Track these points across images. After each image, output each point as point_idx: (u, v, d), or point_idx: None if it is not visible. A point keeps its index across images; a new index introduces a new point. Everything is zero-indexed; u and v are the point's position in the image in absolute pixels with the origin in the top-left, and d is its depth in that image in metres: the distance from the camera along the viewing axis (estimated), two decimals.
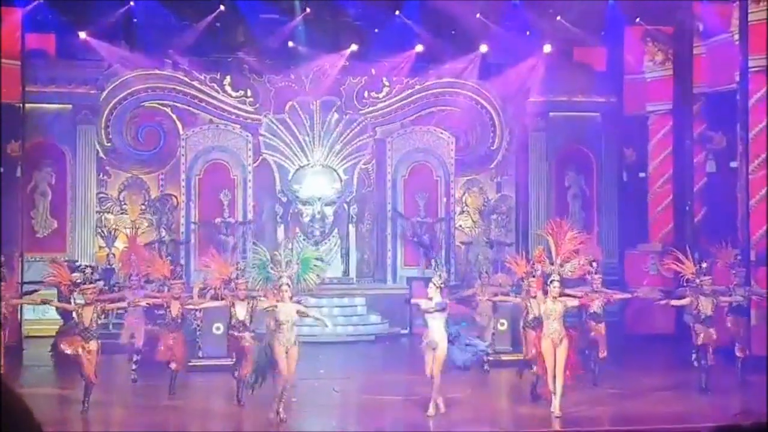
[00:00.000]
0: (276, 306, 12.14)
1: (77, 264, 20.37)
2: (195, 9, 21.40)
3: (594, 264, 15.87)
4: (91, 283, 13.85)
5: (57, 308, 16.67)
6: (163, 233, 23.37)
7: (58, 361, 17.31)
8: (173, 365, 14.38)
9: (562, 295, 12.83)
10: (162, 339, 14.55)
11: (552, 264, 13.10)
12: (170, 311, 14.64)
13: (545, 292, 12.95)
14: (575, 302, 13.37)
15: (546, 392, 12.77)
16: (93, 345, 12.86)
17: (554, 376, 12.51)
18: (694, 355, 15.39)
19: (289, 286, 12.22)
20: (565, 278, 13.39)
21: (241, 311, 13.53)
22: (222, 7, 21.27)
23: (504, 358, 16.69)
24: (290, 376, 12.18)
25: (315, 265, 12.85)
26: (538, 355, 13.01)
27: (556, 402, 12.46)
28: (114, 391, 14.71)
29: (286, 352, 12.06)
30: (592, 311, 15.20)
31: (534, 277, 14.41)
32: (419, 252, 23.78)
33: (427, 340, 12.27)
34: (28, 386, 14.53)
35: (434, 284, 12.54)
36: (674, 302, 15.14)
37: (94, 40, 21.68)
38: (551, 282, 12.78)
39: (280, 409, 12.12)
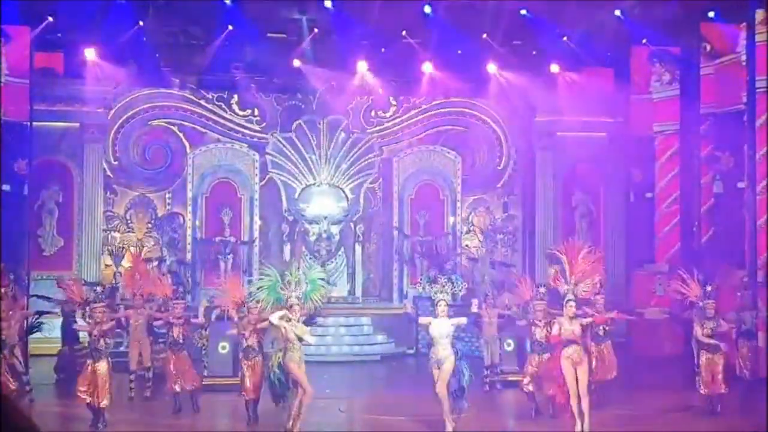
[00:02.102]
0: (284, 325, 12.16)
1: (84, 282, 20.40)
2: (203, 29, 21.47)
3: (598, 284, 15.84)
4: (101, 301, 13.83)
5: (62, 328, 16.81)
6: (165, 252, 23.40)
7: (63, 379, 17.33)
8: (186, 386, 14.31)
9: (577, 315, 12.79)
10: (170, 362, 14.48)
11: (567, 284, 13.04)
12: (173, 332, 14.59)
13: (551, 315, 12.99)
14: (589, 320, 13.32)
15: (562, 408, 12.70)
16: (103, 364, 12.80)
17: (578, 397, 12.40)
18: (698, 378, 15.35)
19: (299, 306, 12.24)
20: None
21: (252, 336, 13.50)
22: (230, 27, 21.34)
23: (511, 378, 16.63)
24: (309, 394, 12.16)
25: (321, 286, 12.85)
26: (550, 376, 12.93)
27: (586, 423, 12.34)
28: (122, 410, 14.67)
29: (299, 367, 12.08)
30: (593, 332, 15.19)
31: (540, 299, 14.36)
32: (422, 269, 23.77)
33: (435, 357, 12.21)
34: (34, 404, 14.52)
35: (444, 301, 12.46)
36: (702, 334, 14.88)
37: (102, 59, 21.75)
38: (567, 302, 12.65)
39: (296, 428, 12.10)
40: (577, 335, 12.48)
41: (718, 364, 14.02)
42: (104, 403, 12.67)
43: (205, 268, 23.34)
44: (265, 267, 13.39)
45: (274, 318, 12.15)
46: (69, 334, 18.08)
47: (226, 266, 22.94)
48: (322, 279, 13.34)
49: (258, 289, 13.10)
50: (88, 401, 12.69)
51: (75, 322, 17.24)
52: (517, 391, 15.38)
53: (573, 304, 12.62)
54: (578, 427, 12.32)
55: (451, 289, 12.77)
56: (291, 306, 12.22)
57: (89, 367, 12.77)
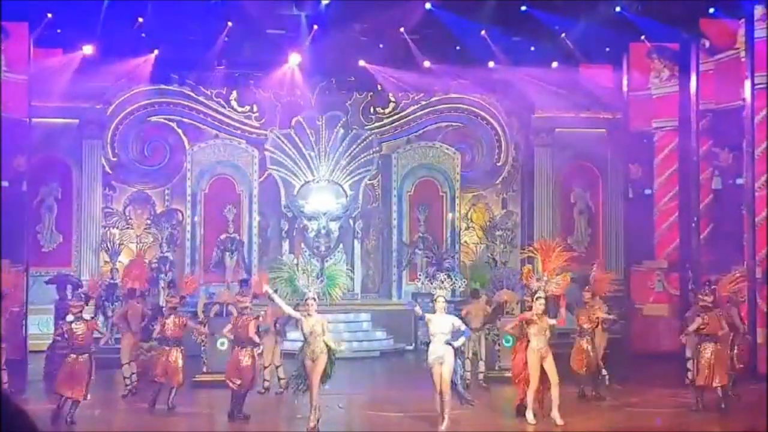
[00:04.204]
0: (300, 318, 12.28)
1: (72, 277, 20.44)
2: (202, 25, 21.44)
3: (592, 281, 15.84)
4: (78, 300, 13.84)
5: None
6: (166, 248, 23.40)
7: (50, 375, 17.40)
8: (163, 380, 14.26)
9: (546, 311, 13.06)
10: (164, 357, 14.42)
11: (538, 281, 13.26)
12: (167, 329, 14.51)
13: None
14: (554, 321, 13.48)
15: (535, 406, 12.96)
16: (85, 358, 12.92)
17: (538, 390, 12.79)
18: (694, 371, 15.36)
19: (315, 300, 12.29)
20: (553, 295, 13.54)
21: (251, 329, 13.52)
22: (229, 24, 21.32)
23: (508, 374, 16.61)
24: (315, 383, 12.18)
25: (340, 282, 12.94)
26: (521, 370, 13.12)
27: (556, 410, 12.71)
28: (119, 406, 14.70)
29: (312, 362, 12.10)
30: (584, 326, 15.21)
31: (540, 298, 14.35)
32: (422, 265, 23.81)
33: (434, 356, 12.19)
34: (32, 400, 14.55)
35: (443, 298, 12.49)
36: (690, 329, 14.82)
37: (101, 55, 21.70)
38: (537, 299, 12.95)
39: (315, 422, 12.13)
40: (545, 331, 12.75)
41: (721, 357, 13.98)
42: (80, 396, 12.84)
43: (204, 265, 23.33)
44: (280, 261, 13.51)
45: (292, 310, 12.31)
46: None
47: (232, 263, 22.92)
48: (340, 273, 13.46)
49: (275, 279, 13.15)
50: (68, 396, 12.82)
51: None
52: (512, 388, 15.43)
53: (543, 301, 12.86)
54: (530, 417, 12.77)
55: (450, 285, 12.79)
56: (306, 300, 12.27)
57: (72, 364, 12.87)
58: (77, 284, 19.21)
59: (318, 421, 12.25)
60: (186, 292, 16.43)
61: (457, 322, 12.47)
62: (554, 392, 12.85)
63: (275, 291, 13.39)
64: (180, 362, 14.26)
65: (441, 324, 12.29)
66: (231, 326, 13.72)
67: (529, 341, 12.99)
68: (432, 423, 12.65)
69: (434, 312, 12.53)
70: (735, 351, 15.15)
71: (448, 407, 12.30)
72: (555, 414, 12.80)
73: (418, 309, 12.85)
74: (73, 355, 13.01)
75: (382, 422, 13.92)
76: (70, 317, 13.39)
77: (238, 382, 13.36)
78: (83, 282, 19.81)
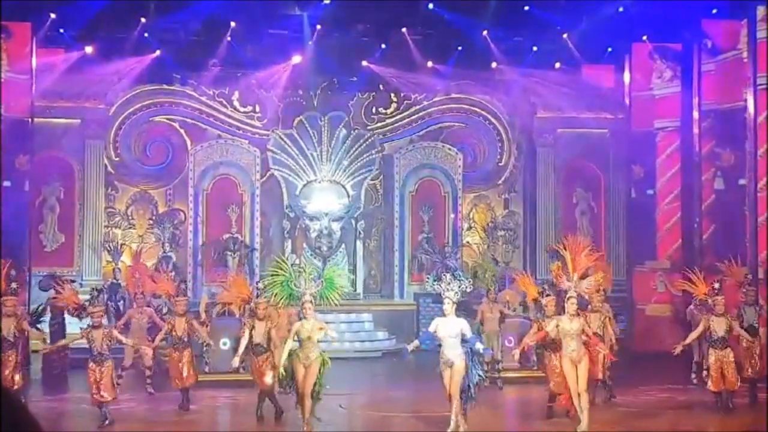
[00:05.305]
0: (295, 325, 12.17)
1: (73, 278, 20.42)
2: (205, 25, 21.46)
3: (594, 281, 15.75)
4: (98, 305, 13.79)
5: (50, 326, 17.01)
6: (168, 248, 23.42)
7: (51, 376, 17.44)
8: (181, 383, 14.32)
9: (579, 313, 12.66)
10: (174, 360, 14.46)
11: (569, 281, 12.88)
12: (176, 330, 14.54)
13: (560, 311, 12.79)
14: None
15: (570, 408, 12.61)
16: (108, 365, 12.87)
17: (578, 395, 12.33)
18: (694, 375, 15.34)
19: (312, 303, 12.17)
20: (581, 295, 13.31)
21: (259, 333, 13.46)
22: (232, 24, 21.34)
23: (512, 374, 16.61)
24: (306, 392, 12.06)
25: (338, 285, 12.81)
26: (552, 374, 12.97)
27: (584, 420, 12.26)
28: (128, 406, 14.70)
29: (305, 369, 11.99)
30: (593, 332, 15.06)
31: (549, 296, 14.20)
32: (427, 265, 23.82)
33: (443, 359, 12.04)
34: (34, 400, 14.55)
35: (450, 300, 12.27)
36: (688, 341, 14.69)
37: (104, 55, 21.73)
38: (568, 299, 12.47)
39: (307, 425, 12.10)
40: (577, 333, 12.35)
41: (729, 361, 13.87)
42: (108, 397, 12.76)
43: (208, 264, 23.33)
44: (276, 261, 13.38)
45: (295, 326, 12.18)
46: (57, 332, 18.11)
47: (234, 263, 22.93)
48: (339, 276, 13.30)
49: (271, 284, 13.04)
50: (100, 400, 12.77)
51: (64, 320, 17.39)
52: (518, 388, 15.42)
53: (575, 301, 12.46)
54: (582, 426, 12.29)
55: (458, 287, 12.53)
56: (304, 303, 12.16)
57: (94, 370, 12.80)
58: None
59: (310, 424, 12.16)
60: (151, 289, 16.51)
61: (465, 327, 12.14)
62: (582, 401, 12.24)
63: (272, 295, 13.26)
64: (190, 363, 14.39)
65: (449, 328, 12.09)
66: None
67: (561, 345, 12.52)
68: (433, 423, 12.61)
69: (443, 315, 12.33)
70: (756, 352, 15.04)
71: (459, 411, 12.13)
72: (584, 423, 12.28)
73: (412, 345, 12.79)
74: (93, 364, 12.90)
75: (383, 422, 13.91)
76: (88, 323, 13.32)
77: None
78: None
